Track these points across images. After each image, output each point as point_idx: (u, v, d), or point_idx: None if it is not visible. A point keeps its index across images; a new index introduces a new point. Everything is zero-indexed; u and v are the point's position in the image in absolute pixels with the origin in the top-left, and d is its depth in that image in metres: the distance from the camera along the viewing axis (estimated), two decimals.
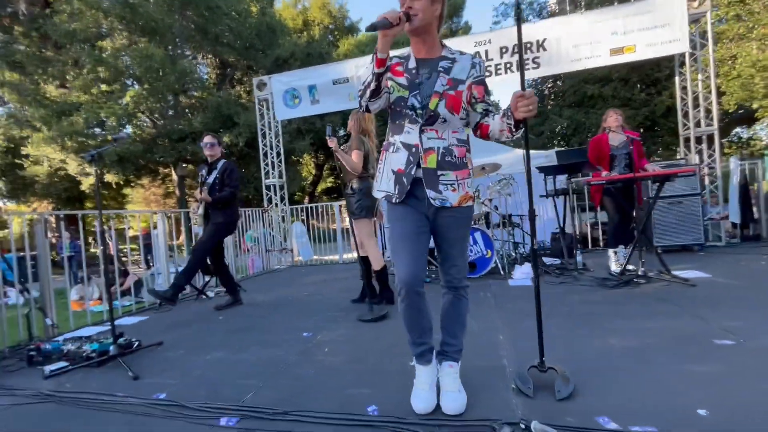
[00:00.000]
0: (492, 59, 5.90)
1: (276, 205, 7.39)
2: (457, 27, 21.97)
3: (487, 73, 5.92)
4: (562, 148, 8.53)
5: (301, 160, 19.25)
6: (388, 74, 1.50)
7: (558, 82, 14.26)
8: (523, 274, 3.99)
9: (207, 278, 4.61)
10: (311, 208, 7.66)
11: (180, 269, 3.58)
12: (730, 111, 9.72)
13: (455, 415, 1.45)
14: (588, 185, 4.23)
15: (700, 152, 5.53)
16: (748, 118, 11.34)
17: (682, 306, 2.62)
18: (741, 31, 8.50)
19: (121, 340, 2.44)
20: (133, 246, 11.50)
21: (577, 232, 6.16)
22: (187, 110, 15.93)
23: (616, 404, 1.44)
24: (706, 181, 5.33)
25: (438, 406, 1.50)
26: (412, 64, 1.53)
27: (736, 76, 8.38)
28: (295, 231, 7.61)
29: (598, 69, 10.61)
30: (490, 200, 4.69)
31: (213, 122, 14.35)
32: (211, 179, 3.62)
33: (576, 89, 12.51)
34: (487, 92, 1.59)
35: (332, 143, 2.95)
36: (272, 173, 7.43)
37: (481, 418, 1.37)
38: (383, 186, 1.59)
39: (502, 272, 4.17)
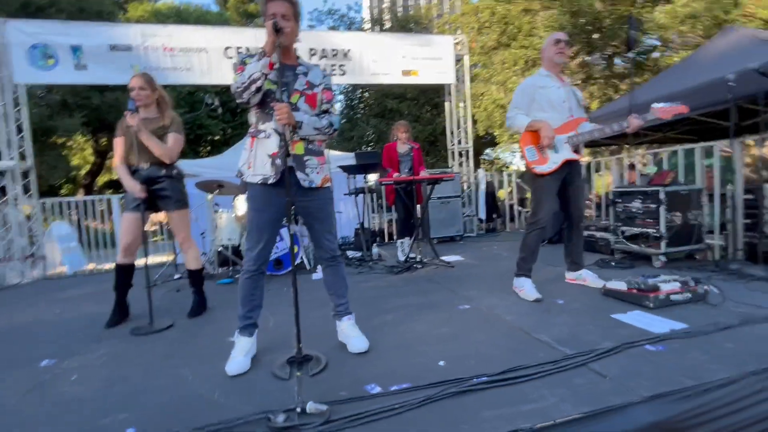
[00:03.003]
0: (299, 57, 5.97)
1: (15, 198, 5.46)
2: None
3: None
4: (363, 151, 9.57)
5: (69, 143, 14.86)
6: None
7: (365, 94, 15.79)
8: None
9: None
10: (84, 203, 5.98)
11: None
12: (480, 135, 12.94)
13: (361, 353, 1.86)
14: (383, 185, 4.82)
15: (461, 164, 7.09)
16: (493, 142, 15.37)
17: (442, 283, 3.28)
18: (486, 75, 11.47)
19: None
20: None
21: (377, 228, 6.96)
22: None
23: (382, 371, 1.67)
24: (464, 186, 6.89)
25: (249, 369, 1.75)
26: (277, 64, 1.71)
27: (483, 109, 11.27)
28: (54, 233, 5.78)
29: (395, 86, 12.24)
30: None
31: None
32: None
33: (379, 102, 14.19)
34: (332, 98, 1.92)
35: (134, 120, 2.43)
36: (7, 154, 5.43)
37: (256, 411, 1.34)
38: (258, 170, 1.76)
39: (308, 267, 4.27)
